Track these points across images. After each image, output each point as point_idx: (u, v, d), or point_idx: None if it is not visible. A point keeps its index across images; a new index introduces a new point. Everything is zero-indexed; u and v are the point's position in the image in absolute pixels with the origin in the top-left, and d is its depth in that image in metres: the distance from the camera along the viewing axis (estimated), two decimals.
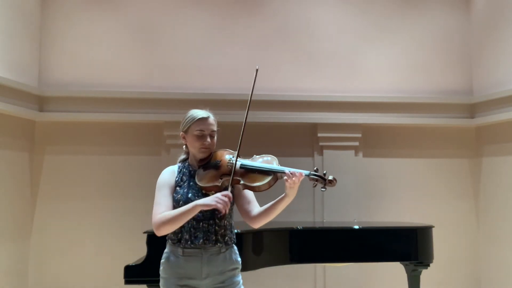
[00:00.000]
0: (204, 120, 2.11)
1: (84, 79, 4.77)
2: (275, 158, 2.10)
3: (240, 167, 2.02)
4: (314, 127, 4.88)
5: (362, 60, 5.01)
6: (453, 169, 5.01)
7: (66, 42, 4.80)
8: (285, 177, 1.93)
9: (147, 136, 4.80)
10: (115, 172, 4.74)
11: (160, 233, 1.97)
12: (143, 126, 4.80)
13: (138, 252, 3.80)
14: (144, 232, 3.23)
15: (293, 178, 1.92)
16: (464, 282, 4.91)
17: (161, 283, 2.08)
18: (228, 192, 1.89)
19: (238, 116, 4.60)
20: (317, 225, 3.91)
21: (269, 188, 2.00)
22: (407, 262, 3.70)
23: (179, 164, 2.17)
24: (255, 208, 2.10)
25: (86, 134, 4.76)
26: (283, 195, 1.99)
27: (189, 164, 2.14)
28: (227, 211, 1.87)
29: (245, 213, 2.10)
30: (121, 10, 4.88)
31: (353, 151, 4.87)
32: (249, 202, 2.11)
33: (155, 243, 3.15)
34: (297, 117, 4.75)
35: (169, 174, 2.11)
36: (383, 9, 5.07)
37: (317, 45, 4.98)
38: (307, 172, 1.98)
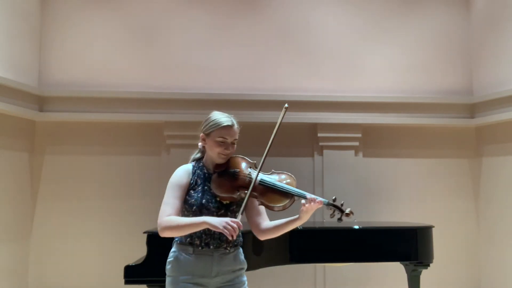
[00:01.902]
0: (229, 128, 2.06)
1: (84, 79, 4.77)
2: (294, 178, 2.06)
3: (260, 183, 1.98)
4: (314, 127, 4.88)
5: (362, 60, 5.00)
6: (453, 169, 5.01)
7: (66, 42, 4.80)
8: (304, 201, 1.92)
9: (147, 136, 4.80)
10: (115, 172, 4.74)
11: (163, 235, 1.96)
12: (143, 126, 4.80)
13: (138, 252, 3.80)
14: (144, 232, 3.23)
15: (312, 204, 1.90)
16: (464, 282, 4.91)
17: (168, 282, 2.05)
18: (238, 221, 1.83)
19: (238, 116, 4.60)
20: (317, 225, 3.91)
21: (283, 209, 1.97)
22: (407, 262, 3.69)
23: (193, 164, 2.14)
24: (264, 221, 2.09)
25: (86, 134, 4.76)
26: (296, 217, 1.96)
27: (203, 165, 2.12)
28: (234, 237, 1.81)
29: (254, 224, 2.10)
30: (121, 10, 4.88)
31: (353, 151, 4.87)
32: (259, 214, 2.10)
33: (155, 243, 3.16)
34: (297, 117, 4.75)
35: (184, 174, 2.08)
36: (383, 9, 5.07)
37: (317, 45, 4.98)
38: (326, 201, 1.95)
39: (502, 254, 4.62)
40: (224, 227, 1.80)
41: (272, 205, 1.96)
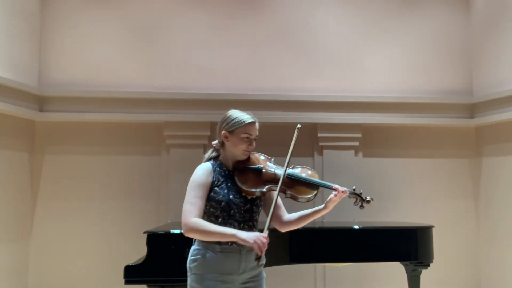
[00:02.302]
0: (252, 124, 2.12)
1: (84, 79, 4.77)
2: (316, 172, 2.20)
3: (287, 177, 2.07)
4: (314, 127, 4.87)
5: (362, 60, 5.00)
6: (453, 169, 5.01)
7: (66, 42, 4.80)
8: (335, 192, 2.06)
9: (147, 136, 4.80)
10: (115, 172, 4.74)
11: (187, 235, 1.99)
12: (143, 126, 4.80)
13: (138, 252, 3.80)
14: (144, 232, 3.23)
15: (340, 194, 2.06)
16: (464, 282, 4.91)
17: (192, 279, 2.04)
18: (267, 236, 1.88)
19: None
20: (317, 225, 3.91)
21: (308, 201, 2.09)
22: (407, 262, 3.70)
23: (212, 162, 2.13)
24: (285, 213, 2.18)
25: (86, 134, 4.76)
26: (321, 206, 2.10)
27: (222, 163, 2.13)
28: (263, 253, 1.87)
29: (276, 217, 2.15)
30: (121, 10, 4.88)
31: (353, 151, 4.88)
32: (279, 207, 2.17)
33: (155, 243, 3.16)
34: (297, 117, 4.74)
35: (207, 173, 2.07)
36: (383, 9, 5.07)
37: (317, 45, 4.98)
38: (349, 190, 2.13)
39: (502, 254, 4.62)
40: (255, 241, 1.85)
41: (300, 196, 2.06)
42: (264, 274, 2.16)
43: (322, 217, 4.68)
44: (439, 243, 4.03)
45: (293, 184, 2.08)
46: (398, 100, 4.90)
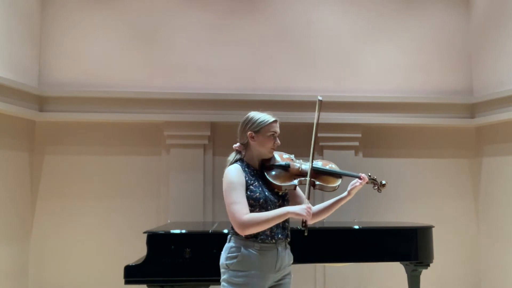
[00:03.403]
0: (276, 123, 2.27)
1: (84, 79, 4.77)
2: (335, 164, 2.38)
3: (314, 170, 2.24)
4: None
5: (362, 60, 5.01)
6: (453, 169, 5.01)
7: (66, 42, 4.80)
8: (359, 181, 2.26)
9: (147, 136, 4.80)
10: (115, 172, 4.74)
11: (246, 232, 2.03)
12: (143, 126, 4.80)
13: (138, 252, 3.80)
14: (144, 232, 3.23)
15: (364, 181, 2.26)
16: (464, 282, 4.91)
17: (231, 275, 2.07)
18: (311, 206, 2.09)
19: (238, 116, 4.61)
20: (317, 225, 3.90)
21: (334, 190, 2.28)
22: (407, 262, 3.70)
23: (240, 164, 2.19)
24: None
25: (86, 134, 4.76)
26: (345, 194, 2.28)
27: (248, 164, 2.22)
28: (310, 221, 2.07)
29: None
30: (121, 10, 4.88)
31: (353, 151, 4.88)
32: (301, 198, 2.31)
33: (155, 243, 3.16)
34: (297, 117, 4.75)
35: (240, 173, 2.14)
36: (383, 9, 5.07)
37: (317, 45, 4.98)
38: (369, 177, 2.32)
39: (502, 254, 4.62)
40: (307, 212, 2.04)
41: (328, 185, 2.25)
42: (292, 274, 2.29)
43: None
44: (439, 243, 4.03)
45: (319, 175, 2.25)
46: (398, 100, 4.90)
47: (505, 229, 4.58)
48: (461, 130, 5.06)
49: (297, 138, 4.88)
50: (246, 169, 2.18)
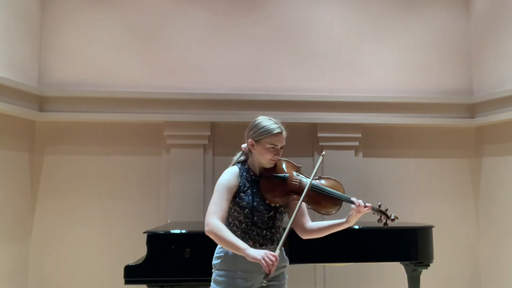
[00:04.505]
0: (279, 135, 2.12)
1: (84, 79, 4.77)
2: (342, 184, 2.17)
3: (311, 189, 2.06)
4: (314, 127, 4.87)
5: (362, 60, 5.00)
6: (453, 169, 5.01)
7: (66, 42, 4.80)
8: (353, 206, 2.03)
9: (147, 136, 4.80)
10: (115, 172, 4.74)
11: (207, 235, 2.03)
12: (143, 126, 4.80)
13: (138, 252, 3.80)
14: (144, 232, 3.23)
15: (360, 210, 2.02)
16: (464, 282, 4.91)
17: (218, 275, 2.09)
18: (276, 255, 1.88)
19: (238, 116, 4.62)
20: None
21: (332, 215, 2.10)
22: (407, 262, 3.70)
23: (239, 166, 2.17)
24: (308, 221, 2.21)
25: (86, 134, 4.76)
26: (343, 220, 2.09)
27: (249, 168, 2.17)
28: (272, 272, 1.86)
29: (299, 224, 2.19)
30: (121, 10, 4.88)
31: (353, 151, 4.87)
32: (303, 215, 2.20)
33: (155, 243, 3.16)
34: (297, 117, 4.75)
35: (234, 177, 2.12)
36: (383, 9, 5.07)
37: (317, 45, 4.98)
38: (374, 207, 2.10)
39: (502, 254, 4.62)
40: (263, 259, 1.86)
41: (323, 211, 2.08)
42: (287, 276, 2.21)
43: (322, 216, 4.67)
44: (439, 243, 4.03)
45: (316, 197, 2.08)
46: (398, 100, 4.90)
47: (505, 229, 4.58)
48: (461, 130, 5.05)
49: (297, 138, 4.89)
50: (245, 173, 2.14)
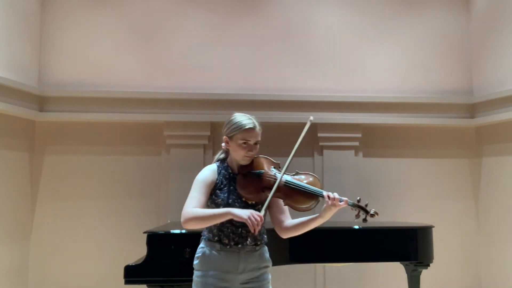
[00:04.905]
0: (251, 130, 2.08)
1: (84, 79, 4.77)
2: (318, 179, 2.12)
3: (285, 184, 2.03)
4: (314, 127, 4.87)
5: (362, 60, 5.00)
6: (453, 169, 5.01)
7: (66, 42, 4.80)
8: (327, 201, 1.96)
9: (147, 136, 4.80)
10: (115, 172, 4.74)
11: (186, 226, 1.99)
12: (143, 126, 4.80)
13: (138, 252, 3.80)
14: (144, 232, 3.23)
15: (335, 203, 1.95)
16: (464, 282, 4.91)
17: (195, 276, 2.10)
18: (261, 215, 1.88)
19: None
20: None
21: (308, 210, 2.02)
22: (407, 262, 3.70)
23: (218, 164, 2.17)
24: (287, 219, 2.14)
25: (86, 134, 4.76)
26: (316, 215, 2.03)
27: (228, 166, 2.16)
28: (257, 231, 1.87)
29: (277, 222, 2.15)
30: (121, 10, 4.88)
31: (353, 151, 4.87)
32: (282, 213, 2.15)
33: (155, 243, 3.16)
34: (297, 117, 4.75)
35: (211, 173, 2.12)
36: (383, 9, 5.07)
37: (317, 45, 4.98)
38: (351, 202, 2.01)
39: (502, 254, 4.62)
40: (249, 218, 1.85)
41: (297, 206, 2.01)
42: (269, 276, 2.16)
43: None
44: (439, 243, 4.03)
45: (290, 192, 2.03)
46: (398, 100, 4.90)
47: (505, 229, 4.58)
48: (461, 130, 5.05)
49: (296, 138, 4.88)
50: (223, 171, 2.13)
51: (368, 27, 5.04)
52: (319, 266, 4.70)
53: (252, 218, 1.85)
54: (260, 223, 1.86)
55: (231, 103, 4.68)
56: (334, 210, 1.96)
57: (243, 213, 1.88)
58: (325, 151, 4.85)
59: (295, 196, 2.02)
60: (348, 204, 1.99)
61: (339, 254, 3.54)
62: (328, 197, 1.95)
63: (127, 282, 3.08)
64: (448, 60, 5.09)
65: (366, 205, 2.04)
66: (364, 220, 2.03)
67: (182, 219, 1.99)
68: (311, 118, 2.19)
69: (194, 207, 2.00)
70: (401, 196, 4.92)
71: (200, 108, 4.74)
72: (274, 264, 3.41)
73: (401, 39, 5.06)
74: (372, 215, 2.03)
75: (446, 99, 4.97)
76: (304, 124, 2.17)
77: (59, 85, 4.75)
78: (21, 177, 4.51)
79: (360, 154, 4.92)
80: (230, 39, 4.92)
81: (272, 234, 2.21)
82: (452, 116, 4.97)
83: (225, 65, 4.88)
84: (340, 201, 1.95)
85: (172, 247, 3.14)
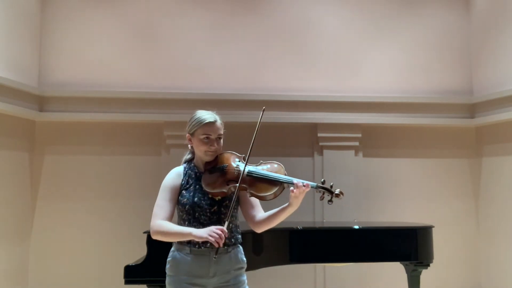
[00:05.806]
0: (211, 124, 2.09)
1: (84, 79, 4.77)
2: (282, 166, 2.09)
3: (247, 175, 2.00)
4: (314, 127, 4.87)
5: (362, 60, 5.00)
6: (453, 169, 5.01)
7: (66, 42, 4.80)
8: (292, 187, 1.94)
9: (147, 136, 4.80)
10: (115, 172, 4.74)
11: (154, 237, 1.99)
12: (143, 126, 4.80)
13: (138, 252, 3.81)
14: (144, 232, 3.22)
15: (300, 189, 1.92)
16: (464, 282, 4.91)
17: (167, 281, 2.06)
18: (223, 228, 1.85)
19: (237, 116, 4.61)
20: (317, 225, 3.91)
21: (274, 198, 2.00)
22: (407, 262, 3.70)
23: (185, 165, 2.17)
24: (259, 213, 2.12)
25: (86, 134, 4.76)
26: (286, 204, 2.00)
27: (194, 166, 2.15)
28: (221, 245, 1.83)
29: (249, 218, 2.12)
30: (121, 10, 4.88)
31: (353, 151, 4.87)
32: (253, 207, 2.12)
33: (155, 243, 3.13)
34: (297, 117, 4.75)
35: (175, 176, 2.11)
36: (383, 9, 5.07)
37: (317, 45, 4.98)
38: (314, 184, 1.99)
39: (502, 254, 4.62)
40: (209, 235, 1.82)
41: (261, 194, 1.98)
42: (244, 278, 2.10)
43: (322, 217, 4.68)
44: (439, 243, 4.03)
45: (253, 182, 1.99)
46: (398, 100, 4.90)
47: (505, 229, 4.58)
48: (461, 130, 5.05)
49: (297, 138, 4.89)
50: (190, 171, 2.12)
51: (369, 27, 5.04)
52: (319, 266, 4.70)
53: (213, 234, 1.81)
54: (223, 236, 1.82)
55: (231, 103, 4.68)
56: (301, 196, 1.94)
57: (202, 233, 1.84)
58: (325, 151, 4.85)
59: (258, 184, 1.99)
60: (311, 187, 1.97)
61: (339, 254, 3.54)
62: (295, 182, 1.93)
63: (127, 282, 3.08)
64: (448, 60, 5.09)
65: (331, 186, 2.03)
66: (330, 201, 2.02)
67: (151, 231, 1.99)
68: (264, 107, 2.19)
69: (161, 219, 1.98)
70: (401, 196, 4.92)
71: (200, 108, 4.70)
72: (274, 264, 3.44)
73: (401, 39, 5.06)
74: (337, 195, 2.02)
75: (446, 99, 4.97)
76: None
77: (59, 85, 4.75)
78: (21, 177, 4.51)
79: (360, 154, 4.92)
80: (230, 39, 4.92)
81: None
82: (452, 116, 4.97)
83: (225, 65, 4.88)
84: (304, 185, 1.93)
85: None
